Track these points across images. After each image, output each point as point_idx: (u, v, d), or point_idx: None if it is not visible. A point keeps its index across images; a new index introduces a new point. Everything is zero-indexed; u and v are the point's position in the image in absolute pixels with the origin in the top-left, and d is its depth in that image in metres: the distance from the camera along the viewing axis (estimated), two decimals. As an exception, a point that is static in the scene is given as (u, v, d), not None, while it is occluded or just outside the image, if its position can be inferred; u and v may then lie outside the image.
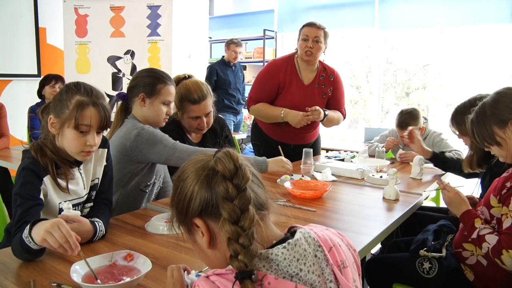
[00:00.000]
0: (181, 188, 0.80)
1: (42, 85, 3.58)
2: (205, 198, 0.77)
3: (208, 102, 2.17)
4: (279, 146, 2.34)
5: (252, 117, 3.01)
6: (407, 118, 2.86)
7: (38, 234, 1.11)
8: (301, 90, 2.76)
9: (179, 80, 2.21)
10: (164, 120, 1.97)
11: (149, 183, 1.97)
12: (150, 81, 1.90)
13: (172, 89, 1.95)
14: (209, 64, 5.53)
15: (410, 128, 2.53)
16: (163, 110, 1.92)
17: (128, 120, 1.91)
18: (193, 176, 0.79)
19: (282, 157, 2.06)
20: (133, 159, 1.84)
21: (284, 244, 0.75)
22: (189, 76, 2.24)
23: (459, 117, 2.02)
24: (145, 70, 2.00)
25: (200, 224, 0.78)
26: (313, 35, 2.66)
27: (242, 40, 6.17)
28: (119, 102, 2.00)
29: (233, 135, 3.21)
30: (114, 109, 1.93)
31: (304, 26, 2.73)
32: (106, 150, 1.59)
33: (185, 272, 0.96)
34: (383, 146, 2.91)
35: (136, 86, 1.92)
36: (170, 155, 1.82)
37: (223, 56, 5.28)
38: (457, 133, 2.10)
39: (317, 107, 2.65)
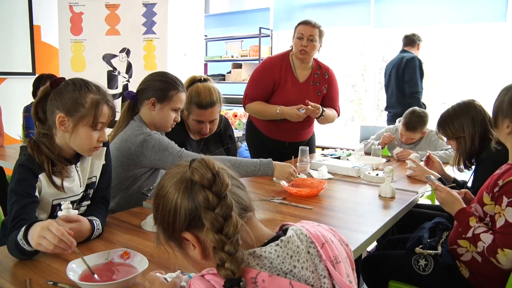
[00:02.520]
0: (162, 205, 0.79)
1: (36, 86, 3.50)
2: (190, 210, 0.75)
3: (215, 110, 2.16)
4: (293, 156, 2.36)
5: (247, 114, 3.01)
6: (417, 122, 2.82)
7: (33, 239, 1.12)
8: (296, 88, 2.76)
9: (195, 81, 2.19)
10: (171, 126, 1.95)
11: (151, 187, 1.96)
12: (162, 86, 1.88)
13: (183, 96, 1.93)
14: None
15: (428, 152, 2.41)
16: (172, 116, 1.91)
17: (134, 123, 1.88)
18: (173, 191, 0.77)
19: (291, 166, 1.95)
20: (137, 163, 1.83)
21: (277, 242, 0.76)
22: (205, 80, 2.22)
23: (444, 124, 2.03)
24: (158, 73, 1.96)
25: (190, 238, 0.77)
26: (308, 33, 2.66)
27: (237, 39, 6.17)
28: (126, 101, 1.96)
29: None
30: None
31: (299, 24, 2.72)
32: (105, 149, 1.59)
33: (157, 273, 0.96)
34: (379, 144, 2.91)
35: (147, 89, 1.89)
36: (175, 163, 1.80)
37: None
38: (445, 139, 2.12)
39: (319, 106, 2.65)
